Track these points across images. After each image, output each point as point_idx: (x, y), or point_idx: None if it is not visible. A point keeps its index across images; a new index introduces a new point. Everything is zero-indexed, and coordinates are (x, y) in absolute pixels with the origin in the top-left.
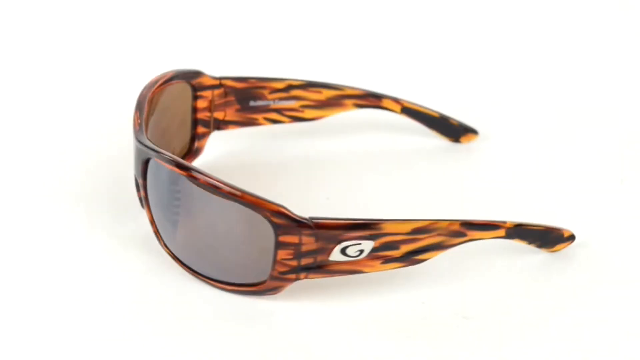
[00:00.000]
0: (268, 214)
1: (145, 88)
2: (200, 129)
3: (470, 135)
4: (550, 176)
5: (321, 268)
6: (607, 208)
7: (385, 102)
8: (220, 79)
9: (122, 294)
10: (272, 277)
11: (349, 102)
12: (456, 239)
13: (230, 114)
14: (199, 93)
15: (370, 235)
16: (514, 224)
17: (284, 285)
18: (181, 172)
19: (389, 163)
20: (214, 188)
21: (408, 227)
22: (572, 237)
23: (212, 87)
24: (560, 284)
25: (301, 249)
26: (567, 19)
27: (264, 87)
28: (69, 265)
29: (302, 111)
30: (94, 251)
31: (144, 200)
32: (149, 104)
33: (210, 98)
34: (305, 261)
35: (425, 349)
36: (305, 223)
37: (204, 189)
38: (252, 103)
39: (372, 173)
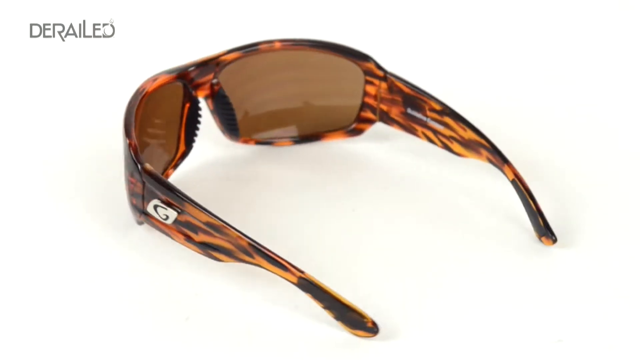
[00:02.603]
0: (128, 148)
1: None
2: (367, 114)
3: (547, 240)
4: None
5: (146, 216)
6: None
7: (505, 167)
8: (386, 73)
9: (111, 292)
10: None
11: (485, 153)
12: (245, 256)
13: (394, 112)
14: (369, 78)
15: (173, 205)
16: (307, 276)
17: (140, 220)
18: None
19: (447, 220)
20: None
21: (204, 218)
22: (374, 330)
23: (379, 77)
24: None
25: (135, 190)
26: None
27: (425, 102)
28: (60, 263)
29: (451, 142)
30: (86, 248)
31: None
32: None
33: (377, 87)
34: (139, 204)
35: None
36: (137, 167)
37: None
38: (409, 110)
39: (420, 219)
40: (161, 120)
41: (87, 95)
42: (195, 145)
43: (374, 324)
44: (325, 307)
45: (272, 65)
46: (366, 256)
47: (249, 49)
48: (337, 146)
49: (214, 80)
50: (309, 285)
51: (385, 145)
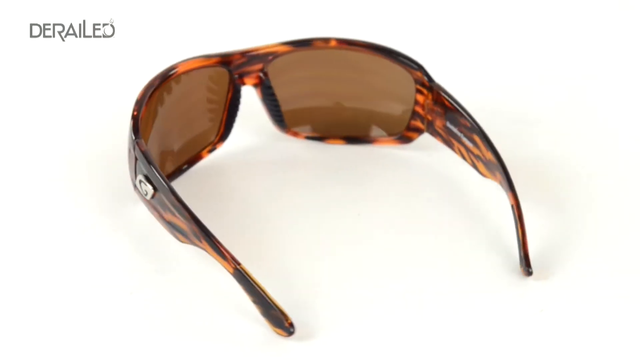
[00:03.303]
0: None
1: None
2: (417, 123)
3: (524, 272)
4: None
5: (136, 189)
6: None
7: (509, 194)
8: (432, 83)
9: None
10: None
11: (499, 176)
12: (195, 239)
13: (437, 125)
14: (419, 87)
15: (151, 182)
16: (242, 267)
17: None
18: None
19: (440, 236)
20: None
21: (172, 198)
22: (289, 330)
23: (427, 87)
24: None
25: (131, 162)
26: None
27: (461, 116)
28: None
29: (478, 162)
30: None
31: None
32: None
33: (425, 97)
34: (132, 176)
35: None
36: (133, 141)
37: None
38: (448, 124)
39: (415, 231)
40: (197, 102)
41: (87, 95)
42: (241, 132)
43: (291, 324)
44: (254, 302)
45: (325, 62)
46: (338, 259)
47: (303, 44)
48: (386, 151)
49: (263, 70)
50: (242, 278)
51: (429, 156)
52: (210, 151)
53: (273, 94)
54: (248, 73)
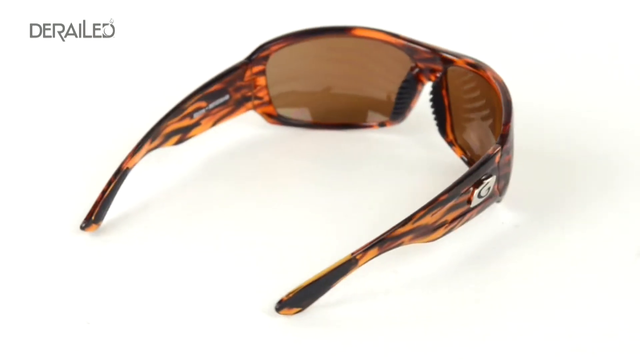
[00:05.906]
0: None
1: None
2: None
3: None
4: None
5: None
6: None
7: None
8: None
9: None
10: None
11: None
12: None
13: None
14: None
15: None
16: (111, 181)
17: None
18: None
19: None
20: None
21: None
22: (81, 225)
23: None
24: None
25: None
26: None
27: None
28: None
29: None
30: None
31: None
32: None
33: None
34: None
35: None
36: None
37: None
38: None
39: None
40: (367, 72)
41: (86, 95)
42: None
43: (83, 222)
44: None
45: (490, 92)
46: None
47: (479, 66)
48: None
49: (442, 73)
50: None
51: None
52: (381, 125)
53: (441, 99)
54: (430, 70)
